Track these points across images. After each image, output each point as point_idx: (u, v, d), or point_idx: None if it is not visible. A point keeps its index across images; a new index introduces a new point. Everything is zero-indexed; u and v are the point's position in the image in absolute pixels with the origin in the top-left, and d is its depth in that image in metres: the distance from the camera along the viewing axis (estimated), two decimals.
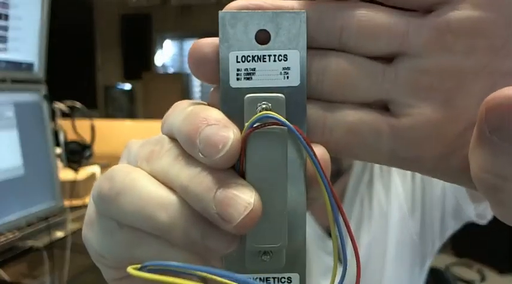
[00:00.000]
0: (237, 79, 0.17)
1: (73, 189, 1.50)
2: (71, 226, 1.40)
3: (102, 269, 0.23)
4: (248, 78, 0.17)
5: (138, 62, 4.71)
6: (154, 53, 4.74)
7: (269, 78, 0.17)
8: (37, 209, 1.32)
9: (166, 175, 0.18)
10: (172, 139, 0.19)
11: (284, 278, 0.18)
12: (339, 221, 0.17)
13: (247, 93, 0.17)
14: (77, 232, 1.39)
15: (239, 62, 0.17)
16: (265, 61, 0.17)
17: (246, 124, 0.16)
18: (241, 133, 0.16)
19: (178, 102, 0.21)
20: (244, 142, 0.16)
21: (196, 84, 4.75)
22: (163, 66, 4.84)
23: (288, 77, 0.17)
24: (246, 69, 0.17)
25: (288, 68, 0.17)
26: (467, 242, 2.49)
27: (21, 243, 1.21)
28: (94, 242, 0.21)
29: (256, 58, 0.17)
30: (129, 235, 0.19)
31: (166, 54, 4.86)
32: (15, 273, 1.74)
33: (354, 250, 0.18)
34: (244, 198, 0.16)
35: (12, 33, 1.25)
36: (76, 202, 1.57)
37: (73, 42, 4.23)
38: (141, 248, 0.18)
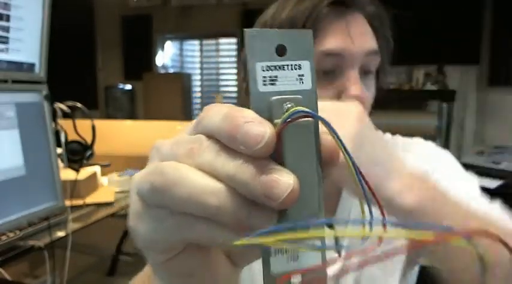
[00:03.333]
0: (264, 84, 0.21)
1: (74, 188, 1.50)
2: (72, 226, 1.40)
3: (149, 256, 0.26)
4: (272, 84, 0.21)
5: (138, 62, 4.71)
6: (154, 54, 4.75)
7: (288, 83, 0.21)
8: (38, 209, 1.32)
9: (212, 167, 0.21)
10: (209, 137, 0.22)
11: None
12: (362, 182, 0.21)
13: (272, 96, 0.21)
14: (78, 232, 1.39)
15: (264, 70, 0.21)
16: (284, 70, 0.21)
17: (280, 120, 0.20)
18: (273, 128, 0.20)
19: (210, 105, 0.23)
20: (279, 135, 0.20)
21: (196, 84, 4.76)
22: (164, 66, 4.84)
23: (302, 82, 0.21)
24: (270, 77, 0.21)
25: (302, 75, 0.21)
26: None
27: (22, 243, 1.21)
28: (145, 231, 0.24)
29: (277, 67, 0.21)
30: (181, 220, 0.22)
31: (167, 55, 4.86)
32: (16, 272, 1.75)
33: (378, 204, 0.21)
34: (285, 180, 0.19)
35: (14, 34, 1.25)
36: (77, 202, 1.57)
37: (74, 43, 4.25)
38: (192, 230, 0.22)
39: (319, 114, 0.20)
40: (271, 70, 0.21)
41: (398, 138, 0.82)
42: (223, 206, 0.20)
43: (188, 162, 0.21)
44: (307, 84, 0.22)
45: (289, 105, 0.20)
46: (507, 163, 2.88)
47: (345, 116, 0.43)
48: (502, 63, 3.43)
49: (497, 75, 3.48)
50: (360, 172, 0.21)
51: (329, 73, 0.58)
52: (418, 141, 0.80)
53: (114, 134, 2.18)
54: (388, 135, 0.83)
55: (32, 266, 1.92)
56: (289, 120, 0.20)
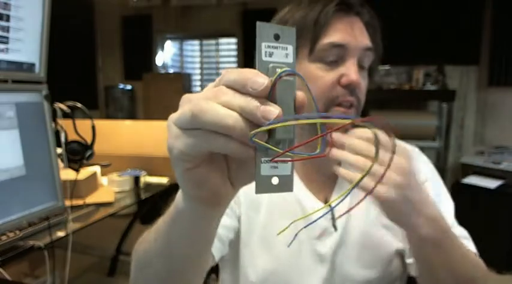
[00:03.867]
0: (265, 56, 0.33)
1: (74, 188, 1.50)
2: (72, 226, 1.40)
3: (178, 166, 0.37)
4: (270, 56, 0.34)
5: (138, 62, 4.71)
6: (154, 54, 4.75)
7: (279, 57, 0.34)
8: (38, 209, 1.32)
9: (229, 103, 0.32)
10: (228, 87, 0.33)
11: None
12: (317, 107, 0.32)
13: (270, 63, 0.33)
14: (78, 232, 1.39)
15: (266, 47, 0.33)
16: (277, 49, 0.34)
17: (275, 75, 0.33)
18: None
19: (227, 69, 0.34)
20: (274, 84, 0.32)
21: (196, 84, 4.77)
22: (164, 66, 4.85)
23: (287, 57, 0.34)
24: (269, 52, 0.34)
25: (288, 53, 0.34)
26: None
27: (23, 243, 1.22)
28: (181, 146, 0.34)
29: (273, 47, 0.34)
30: (208, 135, 0.33)
31: (167, 55, 4.87)
32: (16, 272, 1.74)
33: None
34: (274, 110, 0.31)
35: (14, 34, 1.25)
36: (77, 202, 1.57)
37: (74, 43, 4.24)
38: (215, 142, 0.33)
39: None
40: (270, 48, 0.34)
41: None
42: (236, 125, 0.31)
43: (214, 100, 0.32)
44: (290, 59, 0.34)
45: (279, 69, 0.33)
46: (507, 163, 2.89)
47: (406, 154, 0.60)
48: (502, 63, 3.43)
49: (497, 75, 3.48)
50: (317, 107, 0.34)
51: (333, 61, 0.70)
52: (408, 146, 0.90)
53: (114, 134, 2.18)
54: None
55: (32, 266, 1.92)
56: (281, 76, 0.33)
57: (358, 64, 0.71)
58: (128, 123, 2.56)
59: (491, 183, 2.76)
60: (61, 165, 1.48)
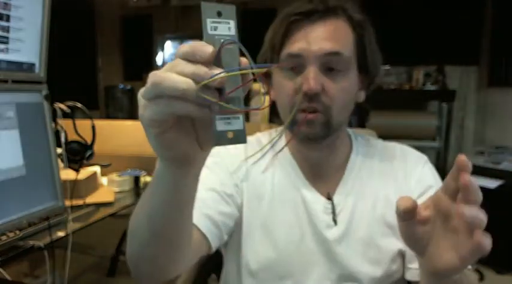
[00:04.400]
0: (210, 30, 0.39)
1: (74, 188, 1.51)
2: (72, 226, 1.40)
3: (150, 133, 0.41)
4: (215, 30, 0.39)
5: (138, 62, 4.72)
6: (154, 54, 4.75)
7: (223, 31, 0.39)
8: (38, 209, 1.32)
9: (183, 71, 0.37)
10: (181, 58, 0.38)
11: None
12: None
13: (215, 36, 0.39)
14: (78, 232, 1.40)
15: (211, 23, 0.39)
16: (221, 23, 0.39)
17: (220, 44, 0.38)
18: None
19: (182, 44, 0.39)
20: (219, 51, 0.38)
21: None
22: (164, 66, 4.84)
23: (230, 31, 0.39)
24: (214, 26, 0.39)
25: (230, 27, 0.39)
26: None
27: (23, 243, 1.22)
28: (149, 113, 0.39)
29: (217, 22, 0.39)
30: (167, 101, 0.37)
31: (167, 55, 4.86)
32: (16, 272, 1.74)
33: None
34: (220, 73, 0.37)
35: (14, 34, 1.25)
36: (77, 202, 1.57)
37: (74, 43, 4.24)
38: (174, 105, 0.37)
39: None
40: (215, 23, 0.39)
41: (391, 144, 0.92)
42: (190, 88, 0.36)
43: (170, 71, 0.37)
44: (233, 31, 0.40)
45: (224, 40, 0.39)
46: (507, 163, 2.89)
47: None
48: (501, 63, 3.43)
49: (497, 75, 3.48)
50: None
51: (294, 69, 0.74)
52: (406, 147, 0.91)
53: (114, 134, 2.18)
54: (379, 142, 0.93)
55: (32, 266, 1.92)
56: (223, 44, 0.39)
57: (325, 67, 0.73)
58: (128, 123, 2.56)
59: (491, 183, 2.76)
60: (61, 165, 1.48)
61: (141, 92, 0.40)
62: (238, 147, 0.86)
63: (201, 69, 0.37)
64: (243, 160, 0.85)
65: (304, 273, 0.78)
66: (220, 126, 0.38)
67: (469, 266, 0.75)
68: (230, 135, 0.39)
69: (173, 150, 0.43)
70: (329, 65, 0.73)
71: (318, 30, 0.73)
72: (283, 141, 0.87)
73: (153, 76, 0.38)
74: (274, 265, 0.79)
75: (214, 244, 0.73)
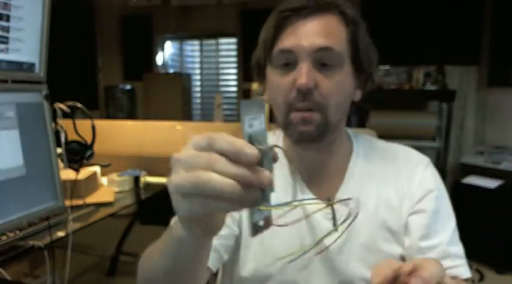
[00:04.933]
0: (248, 127, 0.40)
1: (74, 188, 1.50)
2: (72, 226, 1.40)
3: (184, 222, 0.45)
4: (251, 126, 0.40)
5: (138, 62, 4.71)
6: (154, 54, 4.75)
7: (257, 126, 0.40)
8: (38, 209, 1.32)
9: (224, 171, 0.37)
10: (219, 154, 0.38)
11: None
12: None
13: (252, 133, 0.40)
14: (78, 232, 1.40)
15: (249, 120, 0.40)
16: (256, 120, 0.40)
17: (261, 146, 0.39)
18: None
19: (214, 135, 0.40)
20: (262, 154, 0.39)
21: (196, 84, 4.77)
22: (164, 66, 4.85)
23: (261, 124, 0.41)
24: (250, 123, 0.40)
25: (261, 122, 0.41)
26: (466, 242, 2.49)
27: (23, 243, 1.22)
28: (183, 212, 0.41)
29: (253, 118, 0.40)
30: (205, 201, 0.38)
31: (167, 55, 4.87)
32: (16, 272, 1.74)
33: None
34: (268, 175, 0.37)
35: (14, 34, 1.25)
36: (77, 202, 1.57)
37: (74, 43, 4.24)
38: (212, 206, 0.38)
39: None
40: (251, 120, 0.40)
41: (393, 145, 0.89)
42: (234, 192, 0.36)
43: (209, 169, 0.37)
44: (263, 125, 0.41)
45: (260, 138, 0.40)
46: (507, 163, 2.89)
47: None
48: (501, 63, 3.43)
49: (497, 75, 3.48)
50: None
51: (287, 65, 0.73)
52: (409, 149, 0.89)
53: (114, 134, 2.18)
54: (381, 142, 0.90)
55: (32, 266, 1.92)
56: (267, 148, 0.40)
57: (317, 62, 0.71)
58: (128, 123, 2.56)
59: (491, 183, 2.76)
60: (61, 165, 1.48)
61: (172, 184, 0.39)
62: None
63: (247, 174, 0.37)
64: None
65: (304, 282, 0.78)
66: (255, 217, 0.40)
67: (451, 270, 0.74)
68: (261, 222, 0.41)
69: (205, 229, 0.46)
70: (321, 61, 0.71)
71: (310, 25, 0.72)
72: (280, 144, 0.85)
73: (186, 170, 0.38)
74: (274, 276, 0.78)
75: (215, 267, 0.76)
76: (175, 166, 0.40)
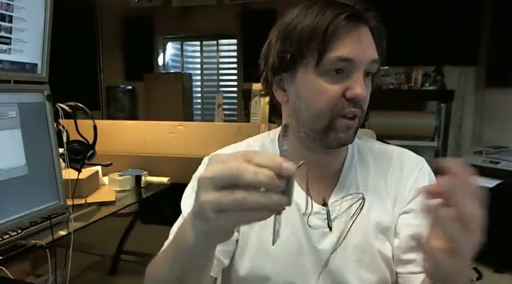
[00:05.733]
0: (283, 146, 0.54)
1: (75, 188, 1.52)
2: (73, 225, 1.41)
3: (209, 234, 0.47)
4: (283, 146, 0.54)
5: (139, 62, 4.72)
6: (155, 54, 4.76)
7: (286, 146, 0.51)
8: (40, 208, 1.33)
9: (265, 183, 0.40)
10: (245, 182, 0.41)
11: None
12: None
13: (284, 151, 0.50)
14: (79, 231, 1.40)
15: (284, 140, 0.53)
16: (286, 141, 0.52)
17: (299, 164, 0.44)
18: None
19: (248, 154, 0.43)
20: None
21: (197, 84, 4.77)
22: (165, 67, 4.85)
23: (286, 145, 0.51)
24: (284, 143, 0.52)
25: (286, 142, 0.52)
26: None
27: (25, 241, 1.22)
28: (223, 226, 0.45)
29: (285, 138, 0.54)
30: (239, 212, 0.41)
31: (168, 55, 4.87)
32: (18, 271, 1.75)
33: None
34: (285, 200, 0.41)
35: (16, 35, 1.27)
36: (78, 201, 1.58)
37: (75, 44, 4.26)
38: (250, 216, 0.42)
39: None
40: (285, 139, 0.52)
41: (389, 147, 0.89)
42: (273, 200, 0.40)
43: (251, 184, 0.40)
44: (286, 145, 0.51)
45: (288, 155, 0.45)
46: (505, 162, 2.89)
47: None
48: (500, 63, 3.44)
49: (495, 75, 3.48)
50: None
51: (339, 73, 0.70)
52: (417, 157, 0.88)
53: (116, 134, 2.19)
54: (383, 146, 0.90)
55: (34, 265, 1.93)
56: (298, 164, 0.43)
57: (364, 72, 0.72)
58: (129, 123, 2.57)
59: (489, 183, 2.77)
60: (63, 164, 1.49)
61: (209, 175, 0.42)
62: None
63: (283, 185, 0.41)
64: None
65: (300, 283, 0.77)
66: (277, 224, 0.45)
67: None
68: (278, 230, 0.46)
69: (221, 238, 0.50)
70: (368, 71, 0.73)
71: (363, 35, 0.71)
72: (276, 146, 0.84)
73: (233, 194, 0.41)
74: (271, 275, 0.78)
75: (218, 274, 0.77)
76: (205, 185, 0.43)
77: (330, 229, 0.78)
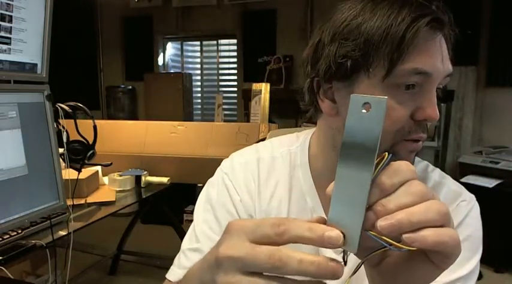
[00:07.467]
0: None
1: (75, 188, 1.52)
2: (73, 225, 1.41)
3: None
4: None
5: (139, 62, 4.72)
6: (155, 54, 4.76)
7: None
8: (40, 208, 1.33)
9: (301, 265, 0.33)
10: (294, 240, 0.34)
11: None
12: None
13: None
14: (79, 231, 1.41)
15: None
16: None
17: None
18: None
19: (286, 221, 0.35)
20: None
21: (197, 84, 4.77)
22: (165, 67, 4.86)
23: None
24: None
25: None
26: None
27: (25, 241, 1.22)
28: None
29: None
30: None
31: (168, 55, 4.87)
32: (18, 271, 1.76)
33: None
34: (338, 266, 0.33)
35: (16, 35, 1.27)
36: (78, 201, 1.59)
37: (75, 44, 4.26)
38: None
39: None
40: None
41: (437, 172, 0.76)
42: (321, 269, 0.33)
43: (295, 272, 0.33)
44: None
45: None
46: (505, 162, 2.90)
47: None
48: (500, 64, 3.44)
49: (495, 75, 3.49)
50: None
51: (409, 88, 0.57)
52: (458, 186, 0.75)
53: (116, 134, 2.19)
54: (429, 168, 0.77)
55: (34, 265, 1.93)
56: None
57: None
58: (129, 123, 2.57)
59: (489, 183, 2.77)
60: (63, 164, 1.49)
61: (235, 257, 0.34)
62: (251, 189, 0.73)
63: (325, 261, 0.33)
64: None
65: None
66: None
67: None
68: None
69: None
70: (438, 87, 0.61)
71: (443, 46, 0.59)
72: (305, 157, 0.73)
73: (270, 248, 0.34)
74: None
75: None
76: (228, 266, 0.35)
77: (345, 263, 0.64)
